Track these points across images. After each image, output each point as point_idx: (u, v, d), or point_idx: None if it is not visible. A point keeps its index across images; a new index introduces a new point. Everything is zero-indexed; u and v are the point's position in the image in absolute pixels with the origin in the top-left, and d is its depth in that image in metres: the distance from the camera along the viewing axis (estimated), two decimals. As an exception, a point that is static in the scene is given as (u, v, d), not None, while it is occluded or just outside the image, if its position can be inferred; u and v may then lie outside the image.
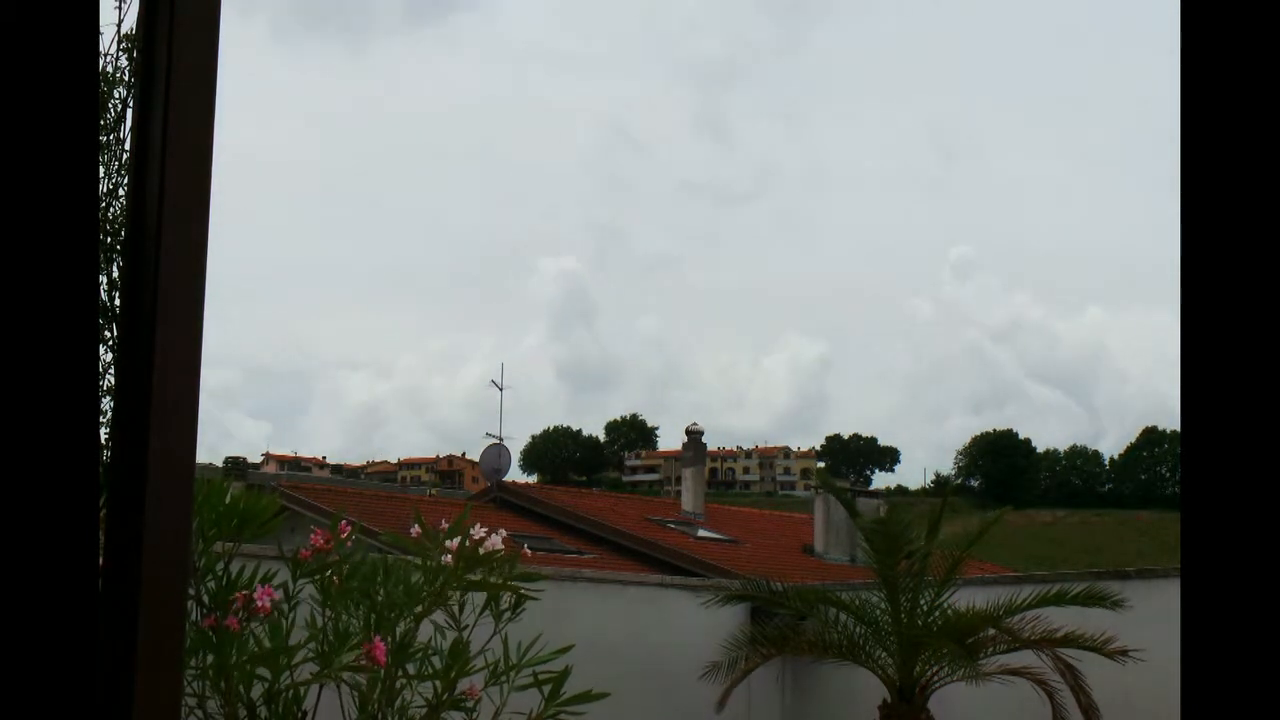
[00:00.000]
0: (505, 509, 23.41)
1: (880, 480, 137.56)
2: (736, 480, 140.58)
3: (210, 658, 4.68)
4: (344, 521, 5.39)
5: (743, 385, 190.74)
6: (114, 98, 3.82)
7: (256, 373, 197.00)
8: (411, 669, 5.22)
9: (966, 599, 9.49)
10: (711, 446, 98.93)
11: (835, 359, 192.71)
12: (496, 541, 5.39)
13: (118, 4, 3.79)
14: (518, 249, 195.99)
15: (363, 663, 4.89)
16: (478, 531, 5.38)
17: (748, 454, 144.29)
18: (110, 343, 2.74)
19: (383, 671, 5.05)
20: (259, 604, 4.84)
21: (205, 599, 4.98)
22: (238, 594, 4.93)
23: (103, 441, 1.94)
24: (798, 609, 10.34)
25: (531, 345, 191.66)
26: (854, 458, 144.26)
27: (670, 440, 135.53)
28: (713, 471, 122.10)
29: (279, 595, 5.04)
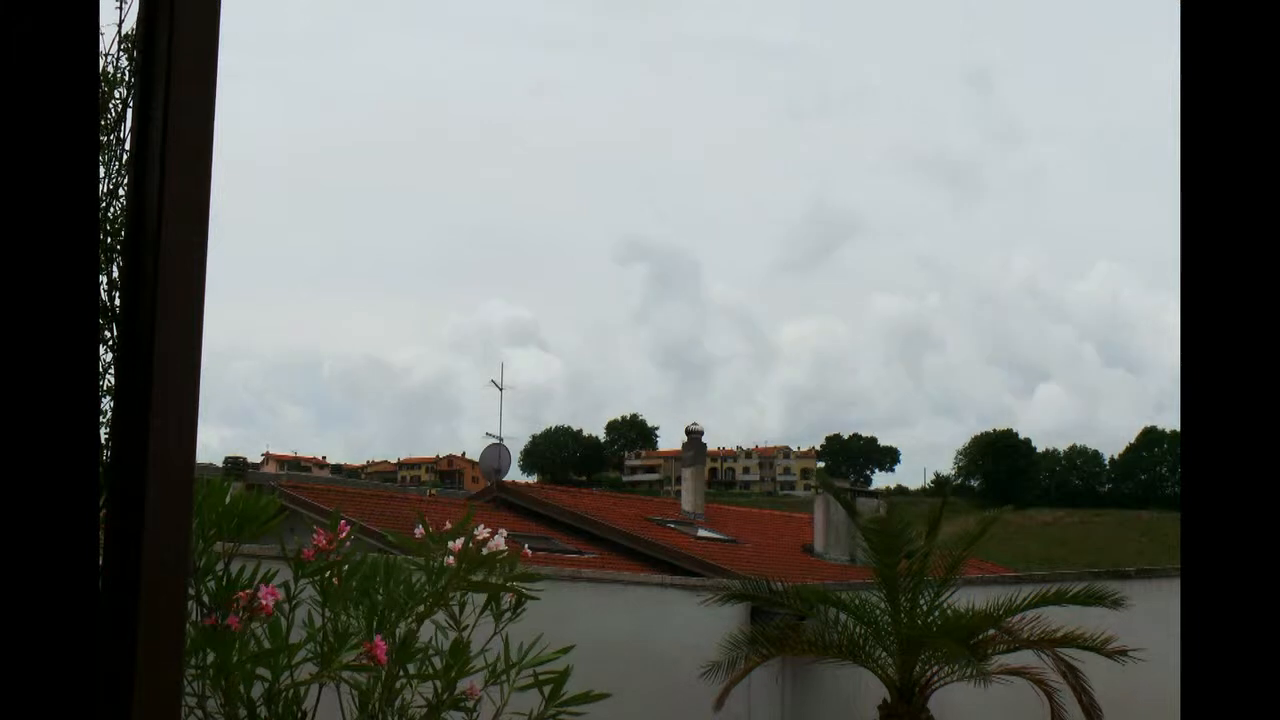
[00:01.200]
0: (505, 509, 23.40)
1: (880, 480, 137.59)
2: (736, 480, 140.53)
3: (210, 658, 4.68)
4: (342, 521, 5.40)
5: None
6: (114, 98, 3.82)
7: (311, 362, 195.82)
8: (412, 669, 5.22)
9: (966, 599, 9.48)
10: (711, 446, 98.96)
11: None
12: (500, 542, 5.39)
13: (118, 4, 3.79)
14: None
15: (363, 662, 4.90)
16: (481, 532, 5.38)
17: (748, 454, 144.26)
18: (110, 343, 2.74)
19: (383, 671, 5.05)
20: (263, 603, 4.84)
21: (205, 599, 4.99)
22: (240, 593, 4.93)
23: (103, 441, 1.94)
24: (797, 609, 10.33)
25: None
26: (854, 458, 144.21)
27: (670, 440, 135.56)
28: (713, 471, 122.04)
29: (281, 595, 5.04)
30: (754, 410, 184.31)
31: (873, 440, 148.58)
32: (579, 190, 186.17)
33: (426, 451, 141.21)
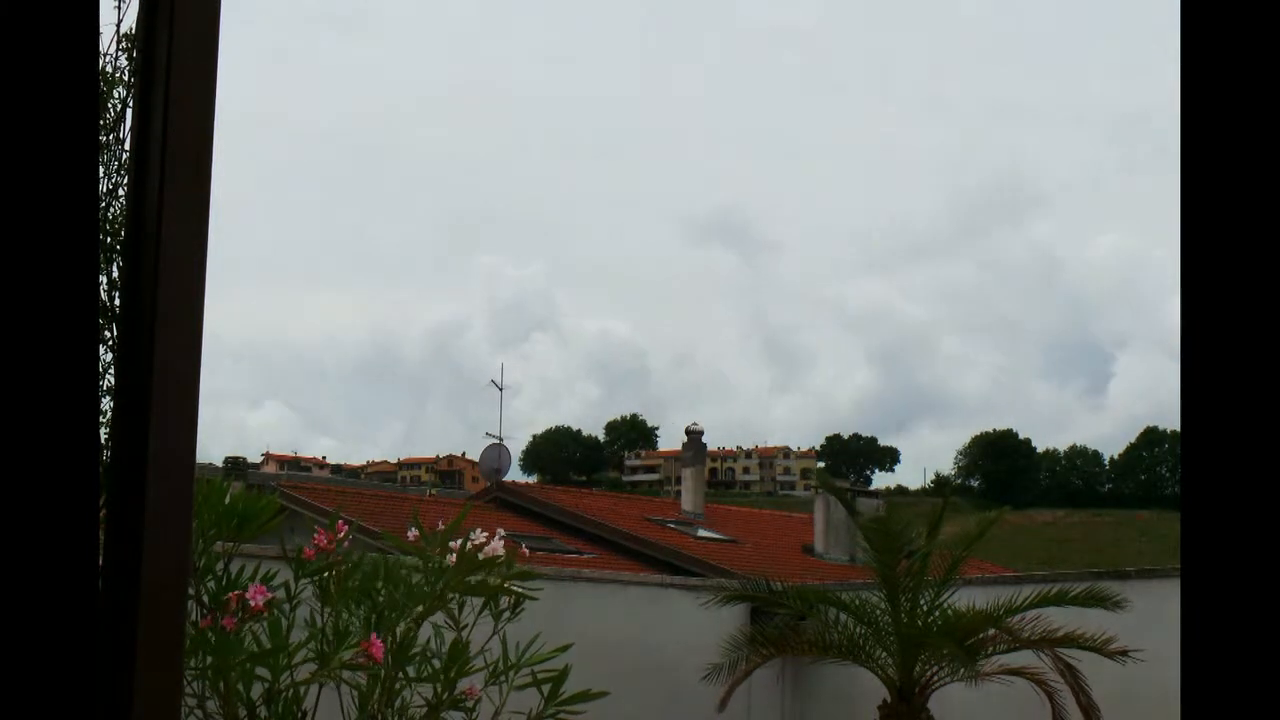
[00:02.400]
0: (505, 509, 23.39)
1: (880, 480, 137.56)
2: (736, 480, 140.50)
3: (210, 658, 4.68)
4: (341, 521, 5.39)
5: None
6: (114, 98, 3.82)
7: (363, 350, 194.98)
8: (411, 669, 5.22)
9: (966, 599, 9.48)
10: (712, 446, 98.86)
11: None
12: (498, 547, 5.38)
13: (118, 4, 3.79)
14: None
15: (360, 661, 4.89)
16: (478, 536, 5.37)
17: (748, 454, 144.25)
18: (110, 343, 2.74)
19: (382, 672, 5.05)
20: (253, 603, 4.84)
21: (205, 599, 4.98)
22: (232, 594, 4.93)
23: (103, 441, 1.94)
24: (798, 609, 10.34)
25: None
26: (854, 458, 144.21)
27: (670, 440, 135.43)
28: (713, 471, 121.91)
29: (276, 594, 5.04)
30: (837, 395, 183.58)
31: (873, 440, 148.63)
32: (646, 171, 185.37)
33: (478, 438, 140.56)
